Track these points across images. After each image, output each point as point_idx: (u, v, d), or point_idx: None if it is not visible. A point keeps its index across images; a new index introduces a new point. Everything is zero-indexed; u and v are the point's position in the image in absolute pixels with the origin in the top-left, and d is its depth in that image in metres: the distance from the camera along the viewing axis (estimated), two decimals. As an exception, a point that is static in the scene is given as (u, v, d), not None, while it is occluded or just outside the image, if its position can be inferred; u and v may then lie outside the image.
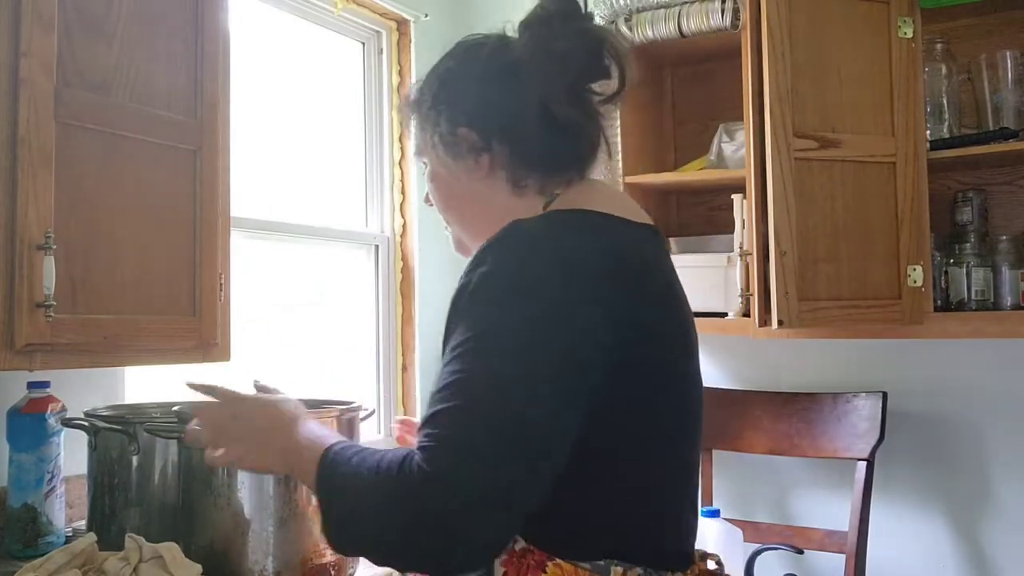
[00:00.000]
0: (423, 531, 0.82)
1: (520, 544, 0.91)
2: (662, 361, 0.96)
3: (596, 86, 1.05)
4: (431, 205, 1.16)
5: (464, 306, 0.90)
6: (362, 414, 1.49)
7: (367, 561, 0.91)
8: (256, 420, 1.03)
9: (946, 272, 2.09)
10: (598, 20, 2.28)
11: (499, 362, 0.85)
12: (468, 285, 0.91)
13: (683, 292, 1.04)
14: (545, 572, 0.90)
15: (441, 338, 0.95)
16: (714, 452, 2.37)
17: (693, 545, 1.02)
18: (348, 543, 0.90)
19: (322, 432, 0.98)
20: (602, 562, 0.91)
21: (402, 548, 0.85)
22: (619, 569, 0.91)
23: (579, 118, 1.04)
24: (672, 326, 0.98)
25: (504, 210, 1.03)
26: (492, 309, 0.88)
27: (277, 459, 0.99)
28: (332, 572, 1.36)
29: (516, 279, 0.89)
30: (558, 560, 0.91)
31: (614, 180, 2.36)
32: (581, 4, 1.05)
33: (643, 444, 0.94)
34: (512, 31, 1.08)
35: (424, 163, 1.13)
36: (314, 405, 1.55)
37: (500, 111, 1.03)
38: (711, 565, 1.04)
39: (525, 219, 0.96)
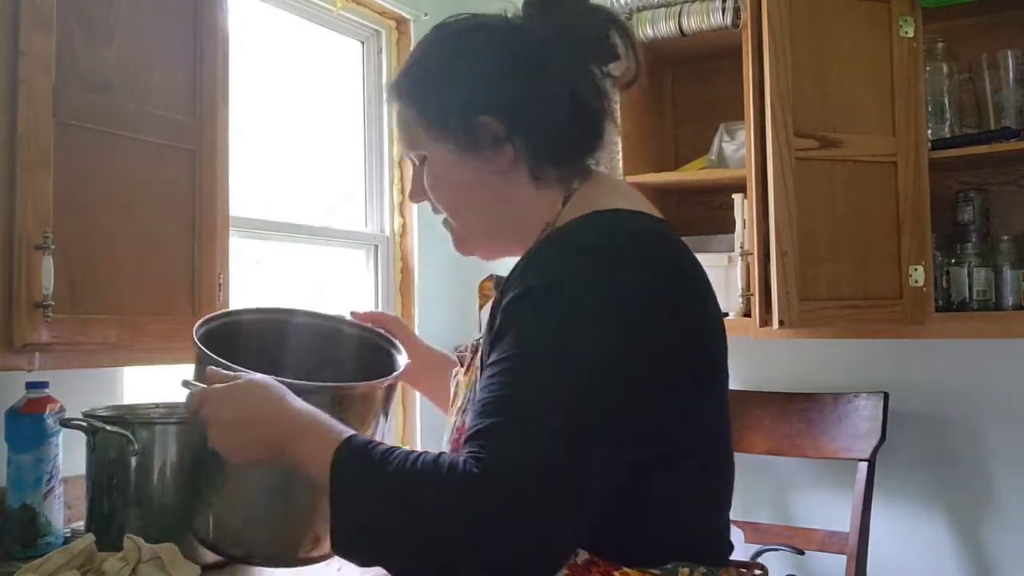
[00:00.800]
0: (481, 538, 0.76)
1: (583, 556, 0.87)
2: (720, 365, 0.95)
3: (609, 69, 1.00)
4: (419, 201, 1.05)
5: (518, 314, 0.85)
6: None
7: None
8: (242, 407, 0.94)
9: (947, 272, 2.09)
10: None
11: (554, 377, 0.81)
12: (525, 293, 0.85)
13: None
14: None
15: (482, 342, 0.92)
16: (715, 452, 2.37)
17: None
18: (369, 548, 0.83)
19: (325, 419, 0.91)
20: (669, 565, 0.88)
21: (449, 556, 0.78)
22: (685, 570, 0.89)
23: (602, 104, 0.99)
24: (720, 326, 0.96)
25: (522, 204, 0.98)
26: (551, 321, 0.83)
27: (267, 449, 0.92)
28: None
29: (580, 293, 0.84)
30: (625, 569, 0.87)
31: (614, 180, 2.36)
32: None
33: (703, 445, 0.92)
34: (514, 11, 1.01)
35: (413, 159, 1.03)
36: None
37: (527, 99, 0.95)
38: None
39: (576, 225, 0.91)
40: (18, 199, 1.26)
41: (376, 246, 2.55)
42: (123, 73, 1.43)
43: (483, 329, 0.94)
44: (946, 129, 2.12)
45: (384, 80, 2.59)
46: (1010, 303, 2.02)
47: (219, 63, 1.60)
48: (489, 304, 0.96)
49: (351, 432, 0.87)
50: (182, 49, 1.54)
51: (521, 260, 0.90)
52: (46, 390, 1.48)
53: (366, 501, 0.82)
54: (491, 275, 1.10)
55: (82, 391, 1.62)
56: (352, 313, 1.30)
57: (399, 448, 0.84)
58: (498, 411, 0.80)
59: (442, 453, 0.81)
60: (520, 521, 0.76)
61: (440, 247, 2.64)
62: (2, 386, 1.49)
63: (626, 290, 0.84)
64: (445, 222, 1.06)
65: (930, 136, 2.08)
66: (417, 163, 1.03)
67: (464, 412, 1.01)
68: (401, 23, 2.62)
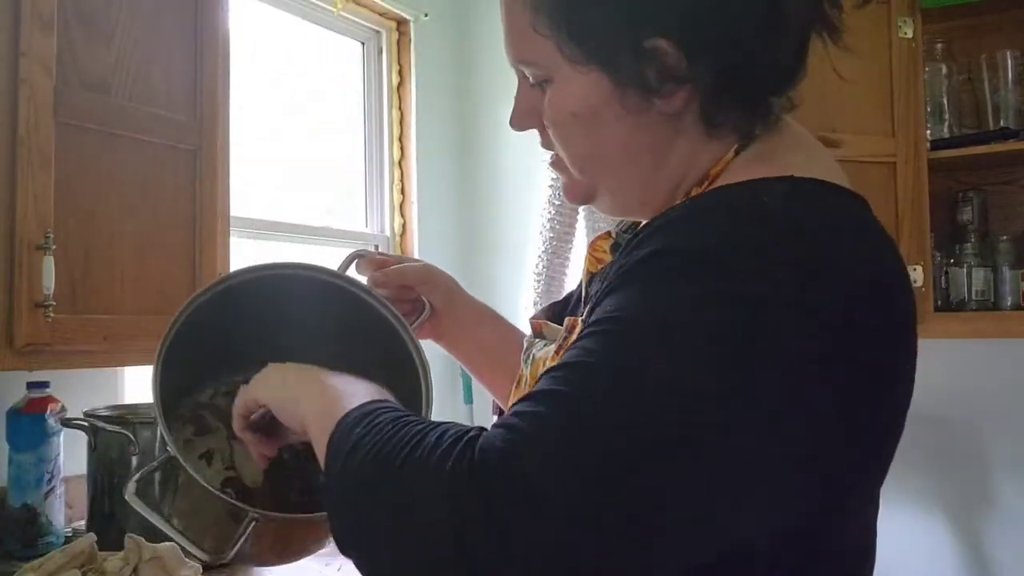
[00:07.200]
0: (446, 549, 0.52)
1: None
2: (895, 438, 0.71)
3: None
4: (524, 128, 0.73)
5: (647, 272, 0.59)
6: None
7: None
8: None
9: (946, 272, 2.09)
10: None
11: (652, 358, 0.54)
12: (668, 250, 0.59)
13: None
14: None
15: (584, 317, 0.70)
16: (714, 452, 2.37)
17: None
18: (353, 545, 0.60)
19: (355, 385, 0.69)
20: None
21: (413, 564, 0.55)
22: None
23: (808, 18, 0.72)
24: (911, 379, 0.69)
25: (683, 156, 0.69)
26: (689, 297, 0.56)
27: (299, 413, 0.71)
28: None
29: (729, 264, 0.57)
30: None
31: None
32: None
33: (842, 560, 0.69)
34: None
35: (528, 75, 0.71)
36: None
37: (715, 14, 0.64)
38: None
39: (774, 193, 0.63)
40: (19, 199, 1.26)
41: (376, 246, 2.55)
42: (123, 73, 1.43)
43: (584, 301, 0.77)
44: (945, 129, 2.12)
45: (385, 80, 2.60)
46: (1009, 303, 2.03)
47: (219, 63, 1.60)
48: (599, 271, 0.79)
49: (365, 398, 0.65)
50: (182, 49, 1.54)
51: (667, 216, 0.64)
52: (47, 390, 1.49)
53: (344, 491, 0.60)
54: (608, 232, 0.82)
55: (82, 391, 1.62)
56: (370, 276, 1.02)
57: (411, 419, 0.60)
58: (567, 380, 0.55)
59: (470, 430, 0.56)
60: (489, 553, 0.51)
61: (440, 247, 2.65)
62: (3, 386, 1.50)
63: (828, 307, 0.57)
64: (555, 162, 0.75)
65: (929, 136, 2.08)
66: (532, 81, 0.71)
67: None
68: (401, 24, 2.62)
